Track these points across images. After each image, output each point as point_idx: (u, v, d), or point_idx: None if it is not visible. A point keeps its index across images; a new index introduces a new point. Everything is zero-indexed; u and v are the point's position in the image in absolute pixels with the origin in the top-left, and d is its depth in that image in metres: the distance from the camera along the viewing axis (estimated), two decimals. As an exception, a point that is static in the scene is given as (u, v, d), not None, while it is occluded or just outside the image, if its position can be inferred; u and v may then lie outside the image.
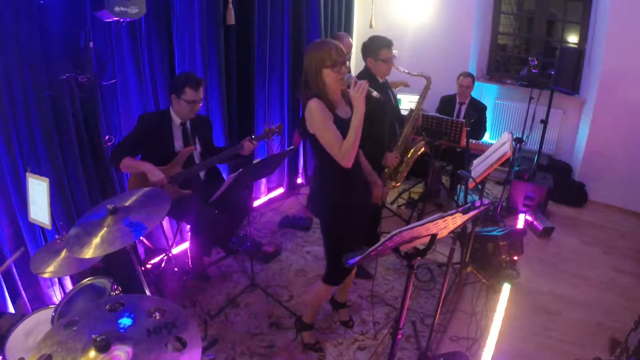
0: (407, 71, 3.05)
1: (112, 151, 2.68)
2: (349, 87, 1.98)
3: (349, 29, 5.01)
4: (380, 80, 2.94)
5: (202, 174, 2.95)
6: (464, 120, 3.62)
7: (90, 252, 1.64)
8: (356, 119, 1.94)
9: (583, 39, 4.70)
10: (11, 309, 2.36)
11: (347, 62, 1.99)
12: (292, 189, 4.57)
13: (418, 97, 3.19)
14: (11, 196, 2.31)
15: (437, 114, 3.91)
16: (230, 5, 3.28)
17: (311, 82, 1.99)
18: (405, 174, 3.27)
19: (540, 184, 4.15)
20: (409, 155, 3.19)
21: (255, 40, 3.65)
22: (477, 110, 4.32)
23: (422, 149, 3.27)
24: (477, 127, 4.30)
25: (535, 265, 3.43)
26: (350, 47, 4.19)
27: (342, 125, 1.98)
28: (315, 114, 1.96)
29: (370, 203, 2.35)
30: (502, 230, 3.21)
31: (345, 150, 1.95)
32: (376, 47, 2.85)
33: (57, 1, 2.27)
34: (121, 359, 1.22)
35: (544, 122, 4.18)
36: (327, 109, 1.98)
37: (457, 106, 4.39)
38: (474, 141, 4.29)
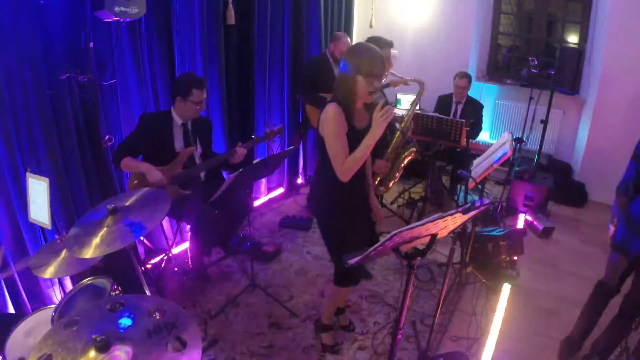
0: (400, 76, 3.04)
1: (114, 150, 2.69)
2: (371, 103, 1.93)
3: (349, 29, 5.01)
4: None
5: (202, 174, 2.95)
6: (464, 121, 3.62)
7: (90, 252, 1.64)
8: (370, 140, 1.87)
9: (583, 39, 4.70)
10: (11, 309, 2.36)
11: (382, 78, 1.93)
12: (292, 189, 4.57)
13: (414, 96, 3.18)
14: (11, 196, 2.31)
15: (437, 114, 3.91)
16: (230, 5, 3.28)
17: (342, 84, 1.93)
18: (395, 180, 3.26)
19: (540, 184, 4.15)
20: (398, 161, 3.18)
21: (255, 40, 3.65)
22: (476, 109, 4.32)
23: (411, 156, 3.25)
24: (474, 125, 4.30)
25: (535, 265, 3.43)
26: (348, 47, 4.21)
27: (357, 135, 1.94)
28: (330, 121, 1.91)
29: (370, 213, 2.31)
30: (502, 230, 3.21)
31: (348, 166, 1.92)
32: (378, 45, 2.84)
33: (57, 1, 2.27)
34: (121, 359, 1.22)
35: (544, 122, 4.18)
36: (344, 118, 1.92)
37: (454, 105, 4.40)
38: (471, 140, 4.29)
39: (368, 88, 1.88)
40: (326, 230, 2.24)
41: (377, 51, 1.90)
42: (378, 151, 3.00)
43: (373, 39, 2.88)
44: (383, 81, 2.97)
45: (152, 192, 1.94)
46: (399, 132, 3.10)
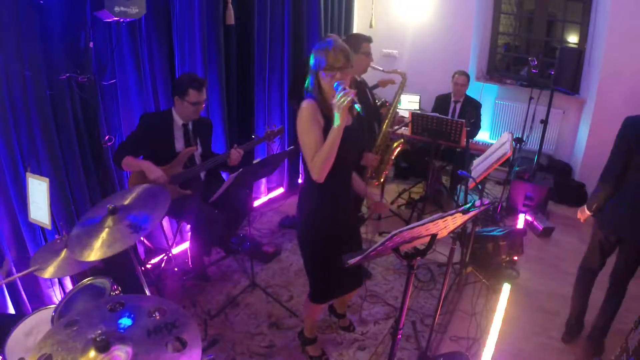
0: (381, 69, 3.03)
1: (115, 149, 2.69)
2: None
3: (349, 29, 5.01)
4: (358, 79, 2.92)
5: (202, 174, 2.95)
6: (463, 121, 3.62)
7: (92, 254, 1.63)
8: (333, 133, 1.75)
9: (583, 39, 4.70)
10: (11, 309, 2.36)
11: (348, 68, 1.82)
12: (292, 189, 4.57)
13: (414, 96, 3.19)
14: (11, 196, 2.31)
15: (437, 114, 3.92)
16: (230, 5, 3.28)
17: (314, 81, 1.86)
18: (387, 172, 3.25)
19: (540, 184, 4.15)
20: (388, 153, 3.18)
21: (255, 40, 3.65)
22: (474, 108, 4.33)
23: (401, 147, 3.25)
24: (474, 125, 4.31)
25: (535, 265, 3.43)
26: None
27: (344, 135, 1.81)
28: (302, 113, 1.83)
29: (355, 222, 2.22)
30: (502, 230, 3.21)
31: (316, 162, 1.80)
32: (358, 40, 2.86)
33: (57, 1, 2.27)
34: (121, 359, 1.22)
35: (544, 122, 4.18)
36: (322, 114, 1.84)
37: (452, 104, 4.41)
38: (471, 140, 4.29)
39: (331, 82, 1.78)
40: (304, 244, 2.13)
41: (336, 45, 1.80)
42: (367, 145, 2.98)
43: (352, 37, 2.89)
44: (361, 76, 2.97)
45: (151, 189, 1.93)
46: (386, 121, 3.09)
